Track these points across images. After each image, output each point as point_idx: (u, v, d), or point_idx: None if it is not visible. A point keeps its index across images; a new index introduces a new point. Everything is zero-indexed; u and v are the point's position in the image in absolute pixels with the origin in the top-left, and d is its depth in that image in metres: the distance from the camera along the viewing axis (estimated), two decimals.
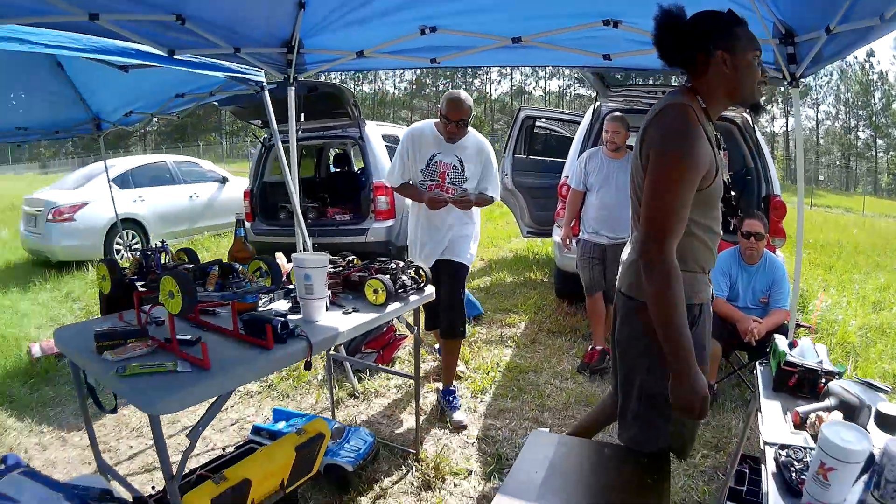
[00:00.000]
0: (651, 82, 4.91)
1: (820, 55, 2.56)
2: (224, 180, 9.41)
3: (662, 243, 1.48)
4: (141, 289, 1.76)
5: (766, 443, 1.57)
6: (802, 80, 2.75)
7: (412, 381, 3.09)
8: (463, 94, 3.02)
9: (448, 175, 3.15)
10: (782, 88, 2.90)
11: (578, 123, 5.72)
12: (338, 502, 2.51)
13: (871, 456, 1.34)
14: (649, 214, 1.52)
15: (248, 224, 6.18)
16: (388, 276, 2.18)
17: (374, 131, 6.11)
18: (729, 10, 1.61)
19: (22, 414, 3.41)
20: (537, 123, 7.31)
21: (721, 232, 1.75)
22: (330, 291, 2.15)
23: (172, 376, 1.54)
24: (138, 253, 1.78)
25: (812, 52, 2.55)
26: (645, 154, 1.58)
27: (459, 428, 3.15)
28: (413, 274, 2.30)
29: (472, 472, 2.78)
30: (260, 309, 1.97)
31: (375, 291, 2.11)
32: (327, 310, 2.04)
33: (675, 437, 1.80)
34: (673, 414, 1.64)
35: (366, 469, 2.71)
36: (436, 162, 3.13)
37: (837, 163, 50.55)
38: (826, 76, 51.05)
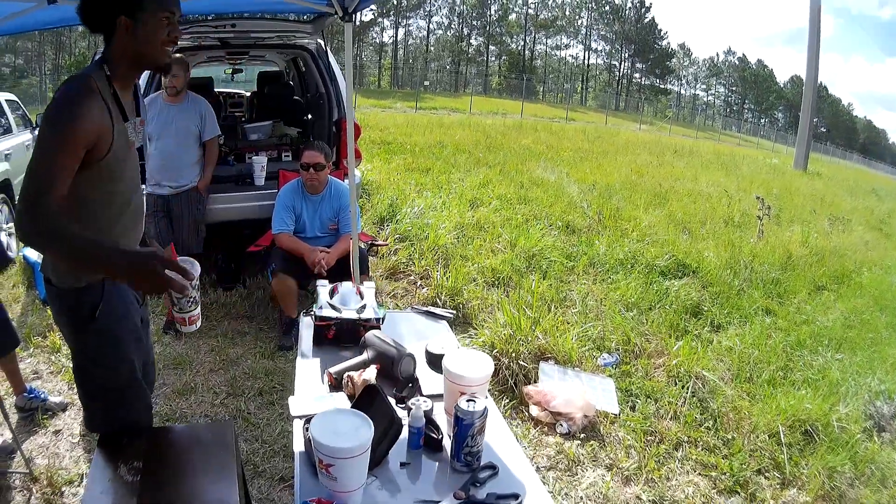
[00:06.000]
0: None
1: None
2: None
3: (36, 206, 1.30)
4: None
5: (293, 416, 1.47)
6: (357, 13, 2.77)
7: None
8: None
9: None
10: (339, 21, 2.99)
11: None
12: None
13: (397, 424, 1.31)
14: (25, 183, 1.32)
15: None
16: None
17: None
18: None
19: None
20: None
21: (135, 201, 1.59)
22: None
23: None
24: None
25: None
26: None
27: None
28: None
29: (83, 475, 2.40)
30: None
31: None
32: None
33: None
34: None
35: None
36: None
37: (447, 67, 57.06)
38: None
